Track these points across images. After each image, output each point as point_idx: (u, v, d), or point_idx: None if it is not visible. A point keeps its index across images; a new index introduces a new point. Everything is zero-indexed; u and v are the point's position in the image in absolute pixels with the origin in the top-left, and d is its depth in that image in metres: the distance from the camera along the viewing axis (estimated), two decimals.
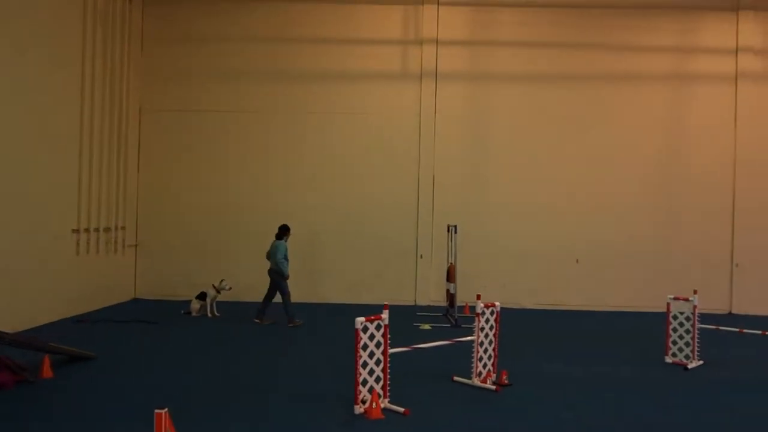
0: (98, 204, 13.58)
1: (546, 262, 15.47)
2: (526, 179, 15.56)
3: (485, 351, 8.13)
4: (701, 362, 9.46)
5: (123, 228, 14.84)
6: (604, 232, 15.47)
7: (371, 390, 6.82)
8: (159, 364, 8.89)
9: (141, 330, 11.48)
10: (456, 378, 8.20)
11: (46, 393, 7.35)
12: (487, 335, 8.14)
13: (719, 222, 15.44)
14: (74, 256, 12.73)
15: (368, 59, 15.69)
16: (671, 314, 9.66)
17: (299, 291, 14.42)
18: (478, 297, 8.17)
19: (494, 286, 15.32)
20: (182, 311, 13.40)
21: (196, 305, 13.22)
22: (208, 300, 13.15)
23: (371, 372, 6.86)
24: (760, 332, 9.60)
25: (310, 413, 6.72)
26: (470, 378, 8.03)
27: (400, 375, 7.95)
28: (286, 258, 12.15)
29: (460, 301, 14.84)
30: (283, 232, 12.44)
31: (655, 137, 15.59)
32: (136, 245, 15.57)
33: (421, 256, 15.48)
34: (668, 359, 9.62)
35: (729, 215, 15.49)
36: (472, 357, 7.99)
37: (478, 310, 7.99)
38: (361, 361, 6.70)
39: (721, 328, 9.69)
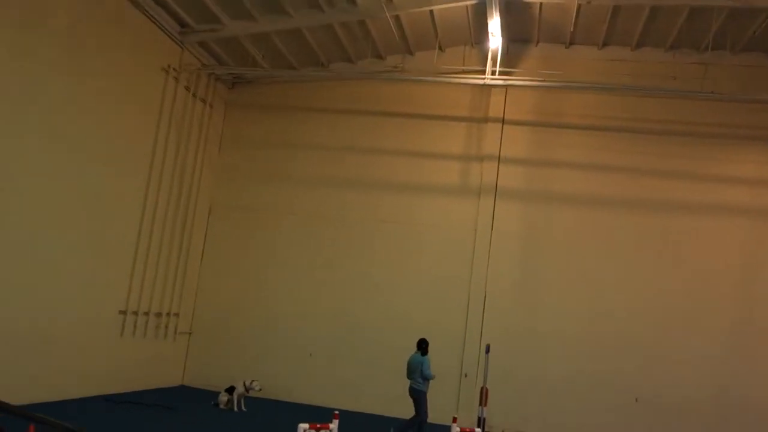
0: (152, 289, 14.27)
1: (599, 401, 14.27)
2: (582, 309, 14.71)
3: None
4: None
5: (177, 315, 15.42)
6: (663, 378, 14.12)
7: None
8: None
9: (159, 414, 11.63)
10: None
11: None
12: None
13: None
14: (118, 337, 13.32)
15: (431, 173, 15.88)
16: None
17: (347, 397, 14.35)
18: (454, 420, 7.66)
19: (536, 419, 14.37)
20: (212, 402, 13.50)
21: (223, 398, 13.30)
22: (236, 395, 13.19)
23: None
24: None
25: None
26: None
27: None
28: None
29: (494, 428, 14.09)
30: (426, 345, 11.46)
31: (730, 283, 14.29)
32: (190, 333, 16.09)
33: (466, 375, 14.82)
34: None
35: None
36: None
37: None
38: None
39: None
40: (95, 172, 12.35)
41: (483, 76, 14.02)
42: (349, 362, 15.37)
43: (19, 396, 10.45)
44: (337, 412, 6.67)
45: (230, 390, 13.33)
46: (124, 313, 13.47)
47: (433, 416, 13.35)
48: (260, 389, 13.39)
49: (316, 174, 16.35)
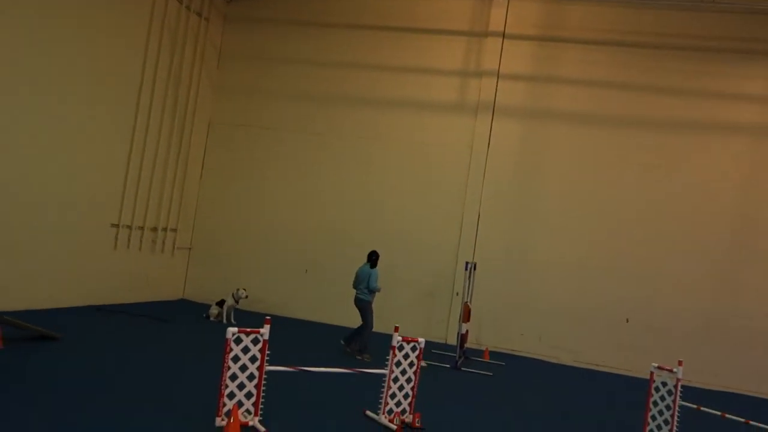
0: (146, 204, 14.47)
1: (593, 319, 14.19)
2: (577, 229, 14.48)
3: (401, 388, 7.60)
4: None
5: (174, 230, 15.67)
6: (657, 295, 13.94)
7: (241, 405, 6.62)
8: (114, 357, 9.19)
9: (146, 325, 11.97)
10: (368, 412, 7.73)
11: None
12: (404, 372, 7.61)
13: None
14: (111, 250, 13.64)
15: (428, 88, 15.50)
16: (654, 385, 8.49)
17: (336, 314, 14.61)
18: (396, 329, 7.67)
19: (532, 336, 14.44)
20: (204, 315, 13.85)
21: (214, 311, 13.63)
22: (225, 307, 13.49)
23: (241, 386, 6.66)
24: (743, 420, 8.10)
25: (176, 423, 6.60)
26: (378, 414, 7.53)
27: (310, 400, 7.64)
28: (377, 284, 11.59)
29: (484, 346, 14.20)
30: (376, 257, 11.79)
31: (729, 199, 13.85)
32: (189, 248, 16.39)
33: (457, 294, 14.84)
34: None
35: None
36: (382, 392, 7.50)
37: (395, 343, 7.51)
38: (229, 373, 6.52)
39: (702, 408, 8.31)
40: (83, 87, 12.33)
41: None
42: (345, 279, 15.48)
43: (13, 302, 10.91)
44: (269, 317, 6.66)
45: (221, 303, 13.64)
46: (116, 226, 13.73)
47: (423, 333, 13.56)
48: (246, 297, 13.66)
49: (316, 90, 16.10)
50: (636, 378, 13.26)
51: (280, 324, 12.78)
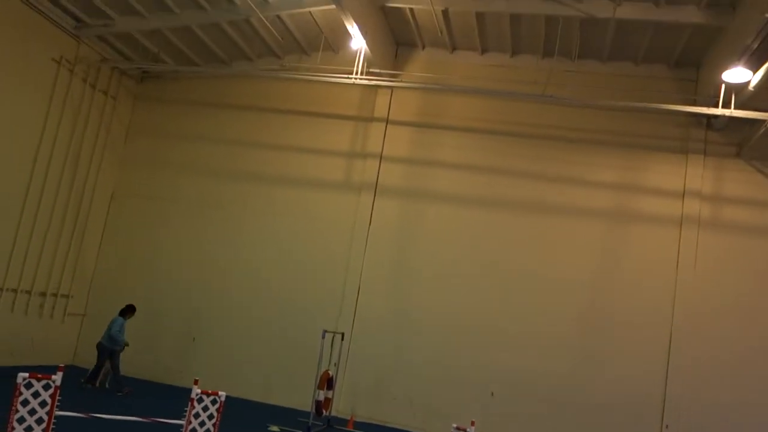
0: (35, 270, 15.01)
1: (462, 388, 14.84)
2: (448, 301, 15.34)
3: None
4: None
5: (67, 296, 16.17)
6: (524, 366, 14.72)
7: None
8: None
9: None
10: None
11: None
12: (203, 423, 8.20)
13: (651, 370, 14.23)
14: None
15: (318, 167, 16.59)
16: None
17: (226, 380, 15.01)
18: (196, 382, 8.32)
19: (403, 403, 15.00)
20: (81, 380, 14.19)
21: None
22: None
23: (29, 430, 7.20)
24: None
25: None
26: None
27: None
28: (121, 333, 13.93)
29: (353, 416, 14.67)
30: (128, 310, 14.23)
31: (590, 274, 14.91)
32: (83, 314, 16.84)
33: (335, 364, 15.41)
34: None
35: (663, 366, 14.27)
36: None
37: (193, 395, 8.14)
38: (15, 417, 7.08)
39: None
40: None
41: (351, 76, 14.65)
42: (231, 346, 16.06)
43: None
44: (62, 365, 7.29)
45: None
46: (0, 289, 14.23)
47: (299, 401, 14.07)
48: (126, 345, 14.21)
49: (220, 167, 17.10)
50: None
51: (149, 389, 13.19)
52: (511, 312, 15.01)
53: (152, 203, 17.31)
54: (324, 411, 13.14)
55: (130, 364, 15.13)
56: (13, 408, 7.07)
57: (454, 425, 9.21)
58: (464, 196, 15.73)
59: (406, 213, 15.95)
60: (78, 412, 7.99)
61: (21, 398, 7.12)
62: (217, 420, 8.27)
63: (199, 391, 8.15)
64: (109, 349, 13.77)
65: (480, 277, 15.31)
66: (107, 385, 13.81)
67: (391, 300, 15.61)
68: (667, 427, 13.95)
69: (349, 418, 14.36)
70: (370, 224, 15.97)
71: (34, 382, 7.22)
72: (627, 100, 14.39)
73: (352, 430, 13.58)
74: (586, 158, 15.35)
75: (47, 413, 7.27)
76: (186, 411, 8.10)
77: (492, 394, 14.78)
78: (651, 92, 14.72)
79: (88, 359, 16.27)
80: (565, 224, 15.17)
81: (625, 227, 14.94)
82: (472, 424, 9.01)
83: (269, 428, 12.32)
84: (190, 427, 8.09)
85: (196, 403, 8.15)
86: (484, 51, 16.11)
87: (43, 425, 7.25)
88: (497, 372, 14.79)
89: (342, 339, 14.25)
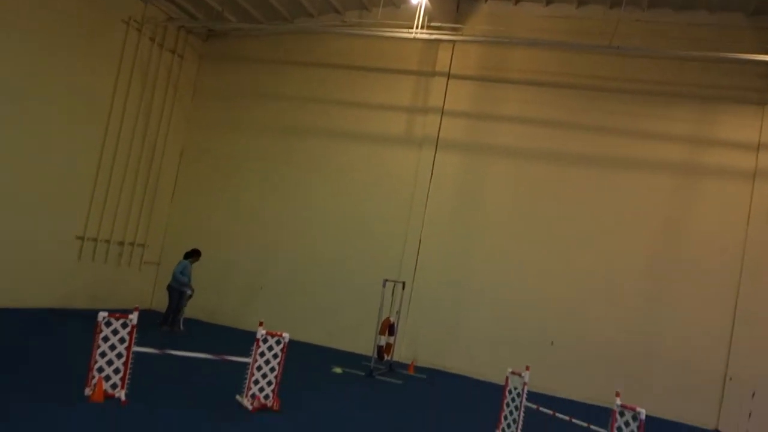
0: (113, 220, 15.88)
1: (521, 337, 14.99)
2: (511, 253, 15.41)
3: (264, 376, 8.65)
4: None
5: (142, 245, 17.06)
6: (585, 315, 14.74)
7: (108, 379, 7.77)
8: (33, 346, 10.45)
9: (86, 325, 13.18)
10: (237, 397, 8.80)
11: None
12: (268, 361, 8.67)
13: (716, 322, 14.02)
14: (75, 260, 15.04)
15: (381, 123, 16.77)
16: (508, 388, 9.38)
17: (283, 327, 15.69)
18: (261, 323, 8.76)
19: (463, 350, 15.31)
20: (157, 321, 15.05)
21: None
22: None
23: (110, 363, 7.80)
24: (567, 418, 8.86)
25: (54, 393, 7.78)
26: (242, 396, 8.62)
27: (176, 380, 8.74)
28: (183, 274, 14.68)
29: (408, 359, 15.07)
30: (192, 254, 15.04)
31: (657, 229, 14.66)
32: (158, 263, 17.75)
33: (397, 312, 15.80)
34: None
35: (729, 322, 14.03)
36: (246, 378, 8.58)
37: (259, 336, 8.59)
38: (99, 350, 7.69)
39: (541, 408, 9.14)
40: (49, 113, 13.90)
41: (412, 31, 14.64)
42: (298, 294, 16.66)
43: None
44: (138, 306, 7.85)
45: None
46: (81, 238, 15.14)
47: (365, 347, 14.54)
48: (191, 295, 14.98)
49: (284, 123, 17.51)
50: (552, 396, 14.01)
51: (217, 331, 13.94)
52: (574, 263, 14.98)
53: (219, 159, 17.90)
54: (386, 356, 13.60)
55: (199, 308, 16.02)
56: (96, 344, 7.67)
57: (510, 369, 9.42)
58: (527, 150, 15.63)
59: (468, 167, 15.99)
60: (153, 348, 8.56)
61: (102, 335, 7.71)
62: (281, 359, 8.73)
63: (264, 331, 8.59)
64: (178, 290, 14.52)
65: (543, 230, 15.28)
66: (182, 327, 14.58)
67: (452, 252, 15.79)
68: (731, 378, 13.79)
69: (409, 363, 14.74)
70: (431, 178, 16.10)
71: (113, 320, 7.81)
72: (701, 50, 13.88)
73: (412, 374, 13.98)
74: (654, 111, 14.96)
75: (125, 348, 7.85)
76: (252, 350, 8.58)
77: (552, 343, 14.88)
78: (727, 42, 14.15)
79: (163, 304, 17.24)
80: (633, 178, 14.92)
81: (696, 180, 14.60)
82: (527, 369, 9.19)
83: (333, 369, 12.83)
84: (256, 364, 8.57)
85: (261, 343, 8.61)
86: (548, 2, 15.78)
87: (122, 359, 7.84)
88: (557, 322, 14.86)
89: (403, 288, 14.56)
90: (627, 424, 7.73)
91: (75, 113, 14.55)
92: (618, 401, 7.90)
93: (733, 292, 14.08)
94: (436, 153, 16.17)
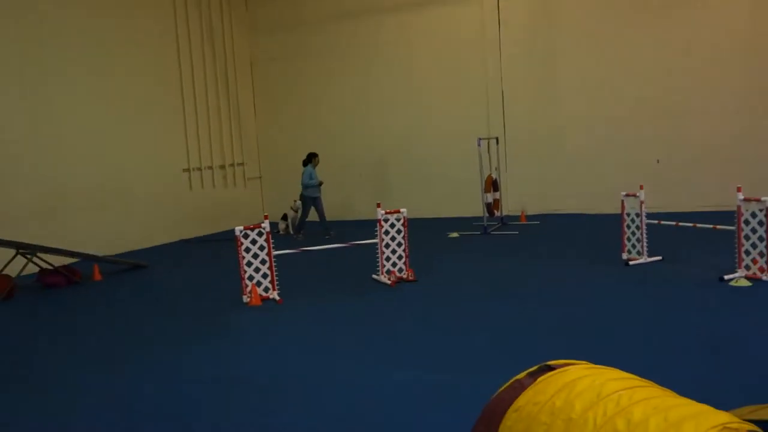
0: (209, 147, 16.65)
1: (625, 166, 14.89)
2: (599, 79, 14.98)
3: (393, 252, 9.25)
4: (659, 258, 9.34)
5: (242, 164, 17.86)
6: (689, 134, 14.40)
7: (260, 285, 8.59)
8: (187, 270, 11.50)
9: (223, 247, 14.26)
10: (373, 276, 9.48)
11: (87, 289, 10.36)
12: (394, 238, 9.23)
13: None
14: (187, 191, 16.03)
15: None
16: (625, 211, 9.58)
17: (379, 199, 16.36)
18: (378, 205, 9.25)
19: (568, 189, 15.45)
20: (276, 230, 16.01)
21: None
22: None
23: (257, 270, 8.58)
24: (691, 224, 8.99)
25: (219, 302, 8.69)
26: (378, 274, 9.29)
27: (317, 273, 9.52)
28: (312, 179, 14.20)
29: (517, 211, 15.39)
30: (309, 158, 14.44)
31: (745, 34, 13.82)
32: (260, 177, 18.61)
33: (496, 168, 16.01)
34: (624, 255, 9.62)
35: None
36: (377, 257, 9.20)
37: (379, 216, 9.12)
38: (244, 262, 8.45)
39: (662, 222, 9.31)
40: (124, 64, 14.44)
41: None
42: (398, 176, 17.12)
43: (110, 248, 13.50)
44: (266, 214, 8.47)
45: (284, 217, 15.74)
46: (187, 170, 16.05)
47: (474, 210, 14.88)
48: (299, 206, 15.39)
49: (342, 8, 17.35)
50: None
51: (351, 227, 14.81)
52: (666, 81, 14.46)
53: (290, 63, 18.06)
54: (495, 212, 13.98)
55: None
56: (240, 255, 8.43)
57: (624, 192, 9.58)
58: None
59: (538, 7, 15.43)
60: (290, 249, 9.29)
61: (243, 246, 8.44)
62: (405, 233, 9.27)
63: (383, 211, 9.09)
64: (311, 198, 14.34)
65: (633, 56, 14.63)
66: (330, 231, 14.48)
67: (537, 94, 15.59)
68: None
69: (519, 214, 15.09)
70: (499, 24, 15.69)
71: (249, 232, 8.49)
72: None
73: (525, 222, 14.36)
74: None
75: (266, 254, 8.58)
76: (377, 230, 9.15)
77: (657, 161, 14.73)
78: None
79: (276, 215, 18.21)
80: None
81: None
82: (641, 188, 9.31)
83: (449, 235, 13.39)
84: (384, 242, 9.16)
85: (383, 222, 9.15)
86: None
87: (267, 265, 8.59)
88: (659, 139, 14.62)
89: (497, 143, 14.67)
90: (754, 215, 7.83)
91: (145, 56, 15.01)
92: (740, 195, 7.96)
93: None
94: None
